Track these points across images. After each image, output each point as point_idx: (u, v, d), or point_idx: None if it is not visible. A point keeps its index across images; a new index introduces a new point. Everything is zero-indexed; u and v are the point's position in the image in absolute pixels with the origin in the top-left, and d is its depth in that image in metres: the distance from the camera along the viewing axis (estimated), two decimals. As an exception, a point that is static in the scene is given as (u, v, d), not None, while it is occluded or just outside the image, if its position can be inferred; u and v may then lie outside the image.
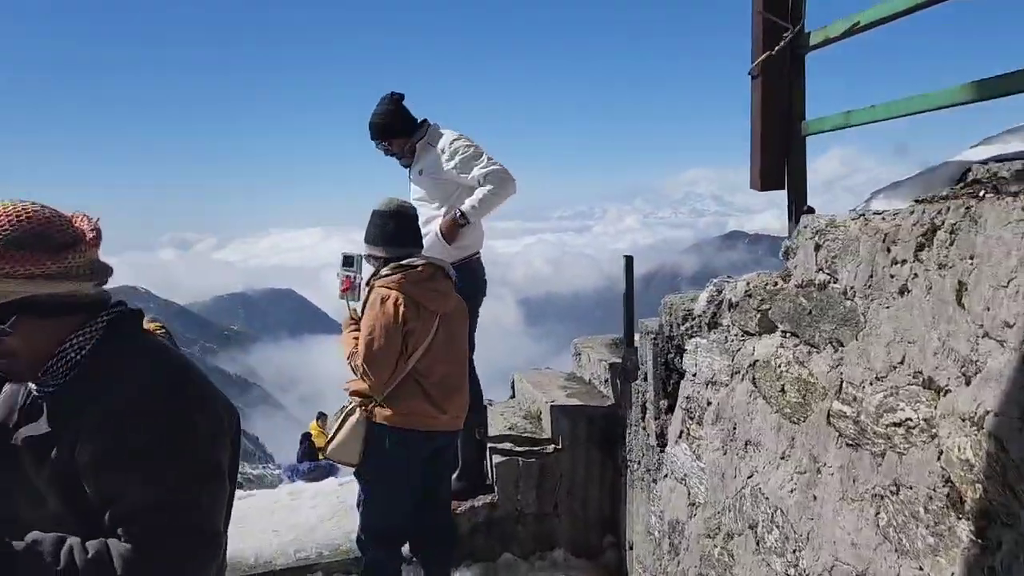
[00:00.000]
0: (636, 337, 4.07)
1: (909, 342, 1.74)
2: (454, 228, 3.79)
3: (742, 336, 2.53)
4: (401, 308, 3.11)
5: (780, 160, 2.41)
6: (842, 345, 1.99)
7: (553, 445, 4.39)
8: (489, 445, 4.33)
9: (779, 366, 2.27)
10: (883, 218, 1.94)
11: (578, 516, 4.32)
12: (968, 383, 1.54)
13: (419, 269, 3.20)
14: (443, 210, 3.93)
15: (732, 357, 2.54)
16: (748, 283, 2.56)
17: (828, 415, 2.01)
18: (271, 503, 5.14)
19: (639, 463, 3.89)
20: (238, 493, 5.98)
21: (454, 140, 3.92)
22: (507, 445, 4.42)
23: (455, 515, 4.04)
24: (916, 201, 1.91)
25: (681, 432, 2.86)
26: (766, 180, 2.41)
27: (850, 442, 1.91)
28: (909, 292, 1.76)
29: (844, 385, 1.97)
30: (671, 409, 3.49)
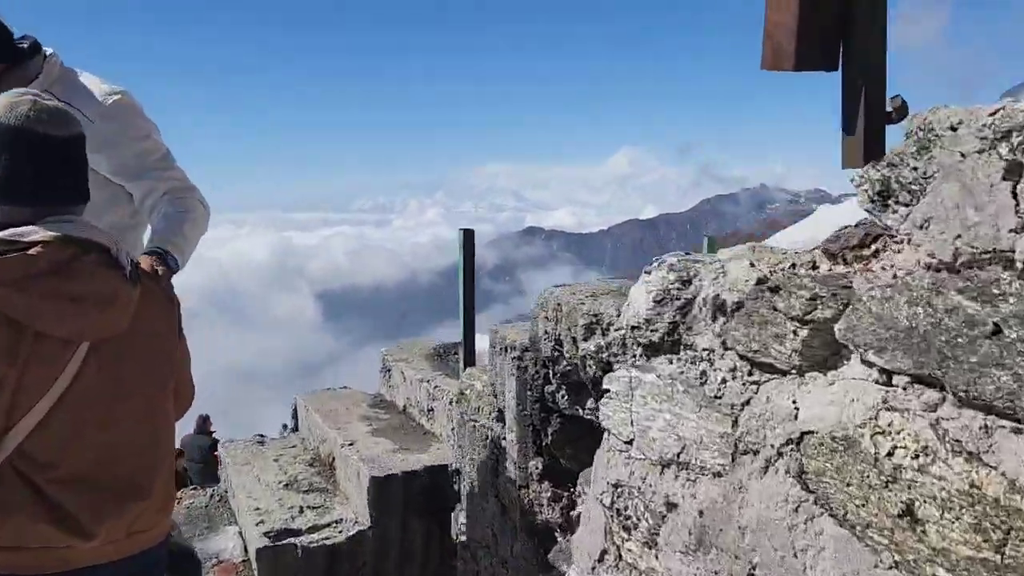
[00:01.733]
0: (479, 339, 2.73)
1: None
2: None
3: (749, 373, 1.22)
4: None
5: (839, 12, 1.15)
6: None
7: (352, 514, 2.91)
8: (259, 528, 2.75)
9: (888, 451, 0.98)
10: None
11: (390, 624, 2.88)
12: None
13: (32, 253, 1.39)
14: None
15: (733, 417, 1.23)
16: (755, 264, 1.26)
17: None
18: None
19: (489, 548, 2.53)
20: None
21: (126, 114, 2.08)
22: (281, 517, 2.87)
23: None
24: None
25: (604, 552, 1.50)
26: (806, 49, 1.13)
27: None
28: None
29: None
30: (547, 476, 2.15)
